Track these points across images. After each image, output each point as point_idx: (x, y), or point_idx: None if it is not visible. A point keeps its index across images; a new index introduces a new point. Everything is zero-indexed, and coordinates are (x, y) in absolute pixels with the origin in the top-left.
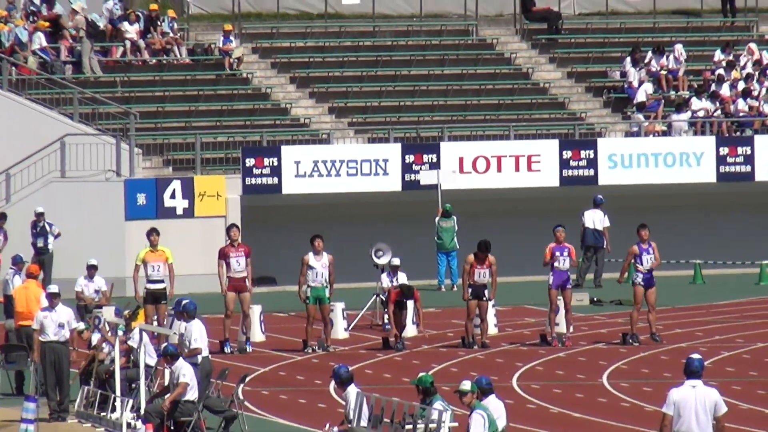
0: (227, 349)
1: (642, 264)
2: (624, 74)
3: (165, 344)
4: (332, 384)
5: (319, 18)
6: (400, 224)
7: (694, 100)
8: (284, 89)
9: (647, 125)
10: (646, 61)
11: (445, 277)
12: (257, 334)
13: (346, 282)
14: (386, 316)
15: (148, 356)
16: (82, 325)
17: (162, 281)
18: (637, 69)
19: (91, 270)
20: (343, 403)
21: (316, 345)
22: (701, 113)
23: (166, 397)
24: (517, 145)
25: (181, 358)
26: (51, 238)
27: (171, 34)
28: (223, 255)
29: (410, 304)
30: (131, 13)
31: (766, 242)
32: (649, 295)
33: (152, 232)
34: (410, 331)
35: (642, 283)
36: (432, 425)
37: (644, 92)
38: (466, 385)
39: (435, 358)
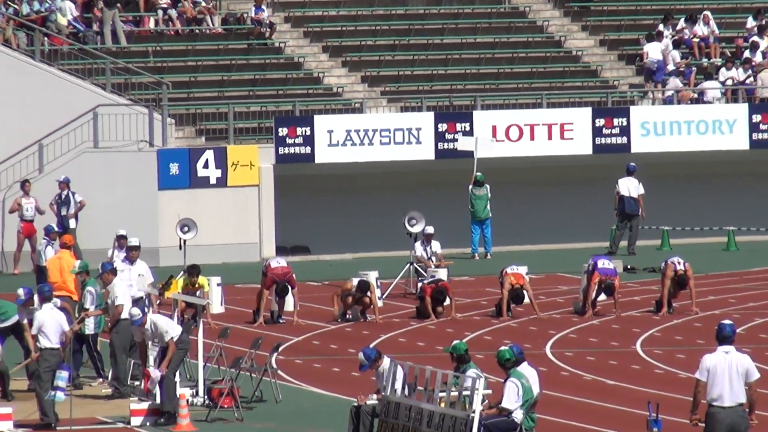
0: (260, 319)
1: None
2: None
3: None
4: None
5: None
6: (434, 193)
7: (723, 70)
8: (317, 58)
9: (680, 93)
10: (678, 28)
11: (479, 246)
12: (289, 304)
13: (380, 251)
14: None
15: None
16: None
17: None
18: (666, 37)
19: (122, 240)
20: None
21: (350, 315)
22: (729, 82)
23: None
24: (550, 114)
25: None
26: (72, 210)
27: (203, 4)
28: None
29: None
30: None
31: None
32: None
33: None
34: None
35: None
36: (465, 392)
37: (672, 60)
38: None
39: (468, 327)
